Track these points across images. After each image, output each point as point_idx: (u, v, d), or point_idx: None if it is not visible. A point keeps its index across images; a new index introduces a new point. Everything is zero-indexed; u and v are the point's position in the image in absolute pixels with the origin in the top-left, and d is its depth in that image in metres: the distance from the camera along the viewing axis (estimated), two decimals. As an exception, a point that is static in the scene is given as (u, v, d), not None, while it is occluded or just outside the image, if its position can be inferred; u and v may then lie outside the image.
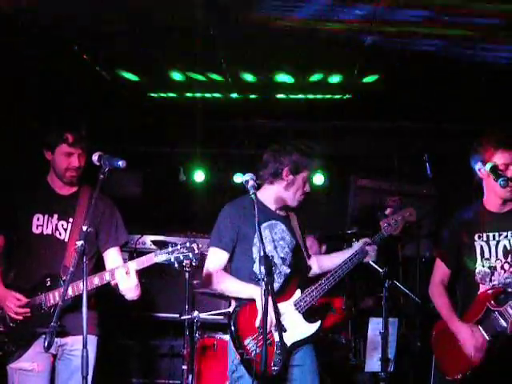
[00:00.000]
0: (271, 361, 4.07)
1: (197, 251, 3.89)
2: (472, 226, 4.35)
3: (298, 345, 4.20)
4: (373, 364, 5.30)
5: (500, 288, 4.17)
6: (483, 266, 4.25)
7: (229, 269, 4.37)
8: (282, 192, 4.40)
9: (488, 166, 4.16)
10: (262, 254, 3.70)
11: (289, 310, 4.23)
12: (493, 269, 4.23)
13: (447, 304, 4.37)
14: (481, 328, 4.13)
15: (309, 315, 4.26)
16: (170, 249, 3.91)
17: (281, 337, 3.90)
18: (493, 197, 4.31)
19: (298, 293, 4.28)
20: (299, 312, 4.23)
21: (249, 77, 6.01)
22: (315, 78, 6.04)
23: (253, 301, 4.10)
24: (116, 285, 4.06)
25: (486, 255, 4.26)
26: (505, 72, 5.32)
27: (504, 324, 4.06)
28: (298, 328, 4.21)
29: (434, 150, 6.86)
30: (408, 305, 6.20)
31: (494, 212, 4.33)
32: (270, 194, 4.42)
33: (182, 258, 3.89)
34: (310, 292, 4.28)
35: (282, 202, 4.42)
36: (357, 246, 4.49)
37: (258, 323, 4.03)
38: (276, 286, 4.22)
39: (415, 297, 5.94)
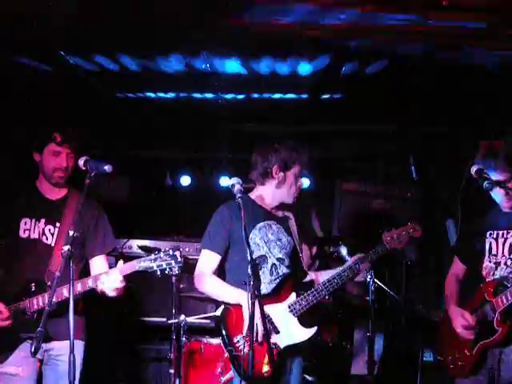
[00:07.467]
0: (262, 360, 4.00)
1: (179, 259, 3.86)
2: (487, 223, 4.55)
3: (291, 349, 4.13)
4: (359, 367, 5.32)
5: (496, 281, 4.32)
6: (490, 262, 4.42)
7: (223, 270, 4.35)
8: (275, 191, 4.39)
9: (473, 168, 4.19)
10: (249, 258, 3.66)
11: (283, 313, 4.18)
12: (497, 264, 4.39)
13: (452, 291, 4.65)
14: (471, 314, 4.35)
15: (304, 320, 4.19)
16: (152, 256, 3.89)
17: (268, 338, 3.85)
18: (498, 198, 4.44)
19: (293, 296, 4.23)
20: (294, 315, 4.18)
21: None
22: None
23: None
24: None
25: (494, 251, 4.42)
26: (490, 75, 5.36)
27: (492, 315, 4.22)
28: (292, 331, 4.14)
29: (419, 153, 6.91)
30: (394, 308, 6.21)
31: (504, 211, 4.48)
32: (263, 195, 4.40)
33: (164, 265, 3.87)
34: (306, 296, 4.23)
35: (276, 201, 4.40)
36: (350, 260, 4.42)
37: (245, 330, 3.98)
38: (272, 286, 4.22)
39: (401, 300, 5.96)
